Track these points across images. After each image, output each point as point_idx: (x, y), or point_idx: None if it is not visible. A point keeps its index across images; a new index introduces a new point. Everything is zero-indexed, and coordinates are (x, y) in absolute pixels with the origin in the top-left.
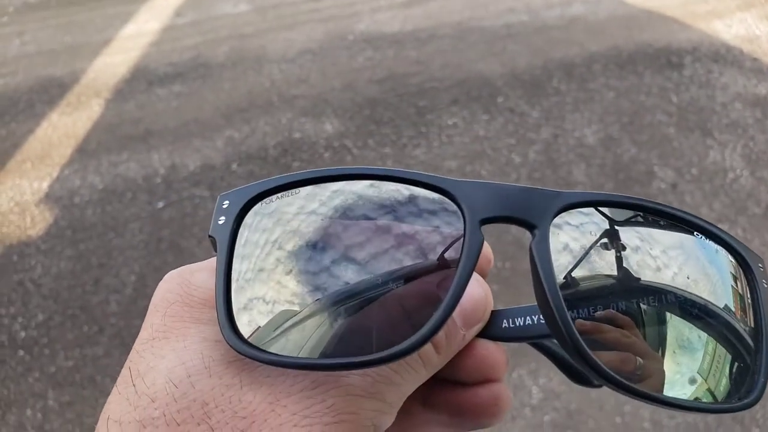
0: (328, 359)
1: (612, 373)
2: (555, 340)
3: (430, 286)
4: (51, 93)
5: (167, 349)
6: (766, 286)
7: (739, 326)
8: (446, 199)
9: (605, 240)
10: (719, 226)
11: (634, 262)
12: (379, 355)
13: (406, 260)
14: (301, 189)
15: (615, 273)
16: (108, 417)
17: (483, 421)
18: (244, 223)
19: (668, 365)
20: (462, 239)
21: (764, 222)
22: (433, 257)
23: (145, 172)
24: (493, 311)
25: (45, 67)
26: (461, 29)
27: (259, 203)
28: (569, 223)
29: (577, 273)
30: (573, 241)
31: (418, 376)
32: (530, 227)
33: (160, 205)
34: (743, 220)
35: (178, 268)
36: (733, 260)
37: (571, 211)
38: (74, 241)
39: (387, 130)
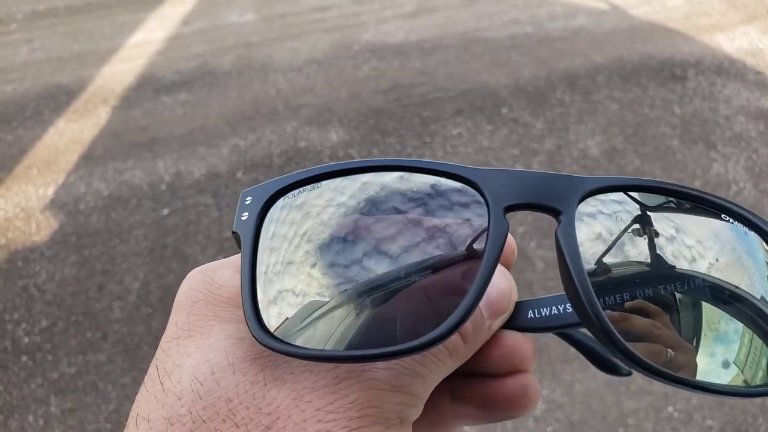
0: (353, 351)
1: (646, 359)
2: (581, 330)
3: (455, 276)
4: (58, 100)
5: (192, 347)
6: None
7: None
8: (470, 189)
9: (637, 226)
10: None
11: (666, 249)
12: (405, 346)
13: (433, 251)
14: (325, 182)
15: (646, 260)
16: (137, 414)
17: (512, 412)
18: (269, 217)
19: (701, 356)
20: (487, 228)
21: None
22: (458, 247)
23: (150, 180)
24: (518, 302)
25: (53, 74)
26: (466, 40)
27: (284, 197)
28: (602, 212)
29: (607, 260)
30: (603, 229)
31: (444, 366)
32: (556, 213)
33: (165, 212)
34: None
35: (202, 266)
36: (765, 244)
37: (601, 197)
38: (78, 248)
39: (392, 139)
